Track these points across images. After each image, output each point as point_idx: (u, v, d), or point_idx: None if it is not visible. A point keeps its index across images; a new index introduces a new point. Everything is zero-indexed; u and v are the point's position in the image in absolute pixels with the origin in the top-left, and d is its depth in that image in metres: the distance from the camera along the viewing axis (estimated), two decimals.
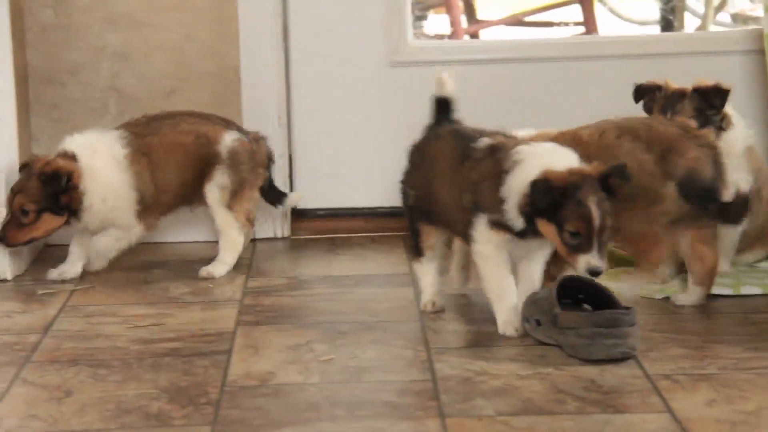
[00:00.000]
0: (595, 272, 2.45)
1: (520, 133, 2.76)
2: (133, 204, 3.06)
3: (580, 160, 2.51)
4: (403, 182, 2.76)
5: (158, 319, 2.75)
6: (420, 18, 4.93)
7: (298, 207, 3.43)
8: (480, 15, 5.30)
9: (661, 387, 2.28)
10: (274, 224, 3.48)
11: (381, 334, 2.63)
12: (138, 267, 3.11)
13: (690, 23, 5.32)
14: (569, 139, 2.68)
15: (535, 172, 2.47)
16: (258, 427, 2.14)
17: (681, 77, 3.47)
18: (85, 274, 3.11)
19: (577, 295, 2.57)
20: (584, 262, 2.45)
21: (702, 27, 5.26)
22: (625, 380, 2.33)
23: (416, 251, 2.76)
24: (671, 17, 5.19)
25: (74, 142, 3.07)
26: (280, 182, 3.46)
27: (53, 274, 3.06)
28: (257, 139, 3.18)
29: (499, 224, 2.53)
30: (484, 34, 5.24)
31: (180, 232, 3.41)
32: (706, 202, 2.63)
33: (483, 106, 3.49)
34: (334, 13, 3.50)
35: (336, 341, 2.59)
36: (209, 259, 3.13)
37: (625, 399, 2.26)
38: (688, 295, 2.75)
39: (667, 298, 2.82)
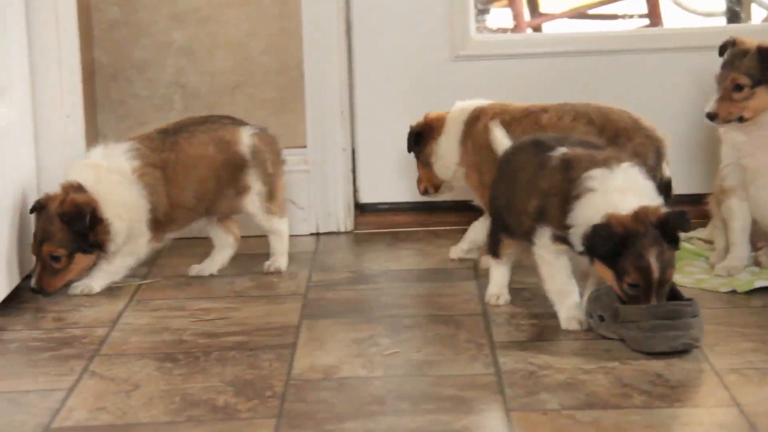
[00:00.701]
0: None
1: (472, 103, 3.06)
2: (146, 213, 2.94)
3: (651, 192, 2.49)
4: (492, 189, 2.78)
5: (224, 313, 2.77)
6: (482, 12, 4.92)
7: (360, 202, 3.41)
8: (543, 8, 5.27)
9: (729, 381, 2.26)
10: (337, 219, 3.49)
11: (445, 328, 2.63)
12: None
13: (757, 14, 5.24)
14: (531, 122, 2.89)
15: (601, 212, 2.43)
16: (322, 420, 2.15)
17: None
18: (152, 268, 3.14)
19: None
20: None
21: None
22: (691, 374, 2.31)
23: (493, 252, 2.77)
24: (737, 8, 5.12)
25: (77, 170, 2.92)
26: (343, 177, 3.47)
27: (76, 289, 2.93)
28: (266, 132, 3.09)
29: (562, 239, 2.53)
30: (547, 27, 5.20)
31: (243, 226, 3.43)
32: None
33: (547, 99, 3.47)
34: (397, 8, 3.50)
35: (400, 335, 2.60)
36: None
37: (692, 393, 2.24)
38: None
39: (733, 291, 2.80)
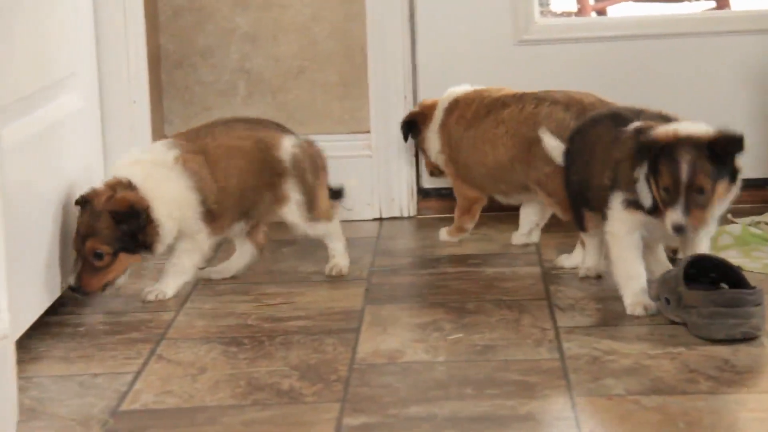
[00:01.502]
0: (677, 227, 2.46)
1: (457, 89, 3.12)
2: (197, 207, 2.78)
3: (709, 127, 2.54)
4: (565, 167, 2.79)
5: (288, 298, 2.79)
6: None
7: (423, 187, 3.40)
8: None
9: None
10: (400, 203, 3.50)
11: (508, 313, 2.63)
12: (268, 246, 3.15)
13: None
14: (492, 118, 2.98)
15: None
16: (387, 405, 2.16)
17: None
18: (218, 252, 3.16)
19: (710, 274, 2.54)
20: (668, 218, 2.47)
21: None
22: (759, 360, 2.29)
23: (580, 227, 2.82)
24: None
25: (123, 167, 2.78)
26: (406, 162, 3.48)
27: (150, 295, 2.81)
28: (311, 143, 2.92)
29: (633, 203, 2.53)
30: (612, 10, 5.17)
31: None
32: None
33: (611, 84, 3.45)
34: None
35: (463, 320, 2.60)
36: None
37: (760, 379, 2.22)
38: None
39: None
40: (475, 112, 3.07)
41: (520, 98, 3.01)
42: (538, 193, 3.00)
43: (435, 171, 3.26)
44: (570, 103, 2.95)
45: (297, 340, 2.51)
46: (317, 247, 3.15)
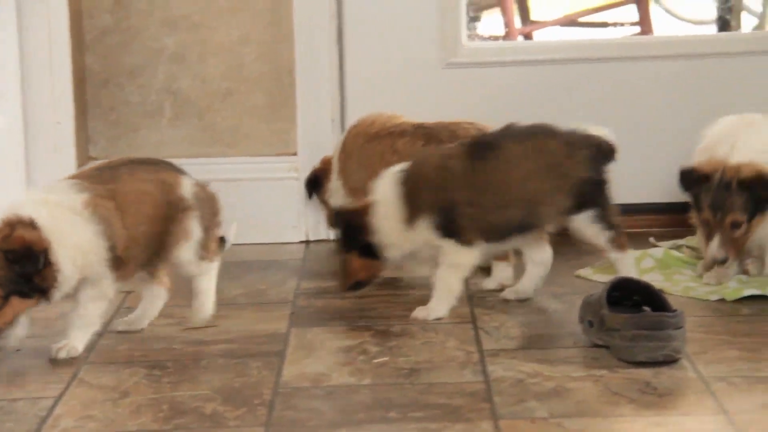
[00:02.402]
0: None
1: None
2: (104, 254, 2.58)
3: None
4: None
5: (212, 321, 2.77)
6: (474, 19, 4.92)
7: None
8: (534, 15, 5.28)
9: (717, 389, 2.26)
10: (326, 227, 3.49)
11: (434, 336, 2.63)
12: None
13: (747, 23, 5.26)
14: (388, 144, 3.01)
15: None
16: (312, 429, 2.15)
17: (738, 77, 3.46)
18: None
19: (633, 297, 2.56)
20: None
21: (760, 26, 5.20)
22: (679, 382, 2.31)
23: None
24: (728, 17, 5.13)
25: (27, 205, 2.55)
26: None
27: (61, 352, 2.58)
28: (204, 186, 2.76)
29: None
30: (539, 34, 5.21)
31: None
32: None
33: (537, 107, 3.48)
34: (388, 15, 3.51)
35: (389, 343, 2.60)
36: (265, 263, 3.14)
37: (680, 401, 2.24)
38: None
39: (722, 300, 2.80)
40: (376, 131, 3.08)
41: (414, 131, 3.02)
42: None
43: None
44: (453, 140, 2.91)
45: (221, 364, 2.49)
46: (242, 270, 3.14)
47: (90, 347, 2.61)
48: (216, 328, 2.72)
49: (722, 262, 2.82)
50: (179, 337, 2.67)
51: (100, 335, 2.67)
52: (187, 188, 2.71)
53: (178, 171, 2.76)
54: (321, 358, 2.51)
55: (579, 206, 2.76)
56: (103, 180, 2.65)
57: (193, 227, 2.70)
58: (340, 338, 2.64)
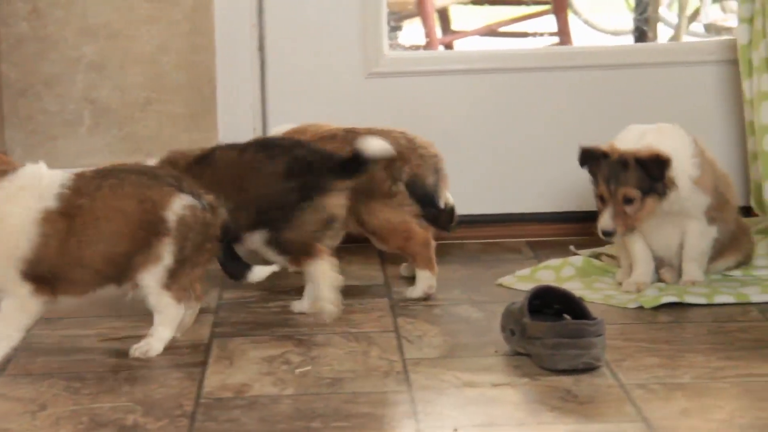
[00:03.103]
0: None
1: (281, 128, 3.15)
2: (18, 264, 2.50)
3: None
4: None
5: (133, 332, 2.74)
6: (395, 29, 4.94)
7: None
8: (455, 25, 5.31)
9: (636, 396, 2.28)
10: None
11: (357, 345, 2.63)
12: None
13: (663, 34, 5.34)
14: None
15: None
16: None
17: (655, 88, 3.51)
18: None
19: (554, 306, 2.58)
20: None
21: (675, 37, 5.28)
22: (600, 390, 2.34)
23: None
24: (645, 28, 5.21)
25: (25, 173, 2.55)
26: None
27: None
28: (213, 207, 2.61)
29: None
30: (459, 44, 5.25)
31: None
32: (427, 206, 2.96)
33: (458, 117, 3.50)
34: (310, 25, 3.50)
35: (311, 352, 2.59)
36: None
37: (600, 408, 2.26)
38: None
39: (640, 307, 2.84)
40: (308, 138, 3.07)
41: (345, 135, 3.02)
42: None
43: None
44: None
45: (142, 375, 2.47)
46: None
47: (8, 359, 2.57)
48: (136, 339, 2.69)
49: (609, 234, 2.86)
50: (98, 349, 2.64)
51: (16, 349, 2.63)
52: (174, 210, 2.54)
53: (177, 187, 2.57)
54: (243, 368, 2.50)
55: (256, 225, 2.78)
56: (86, 189, 2.54)
57: (164, 254, 2.55)
58: (262, 348, 2.63)
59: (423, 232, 2.97)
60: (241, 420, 2.22)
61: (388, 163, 2.95)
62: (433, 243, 2.99)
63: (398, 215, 2.96)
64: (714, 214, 2.91)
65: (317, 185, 2.80)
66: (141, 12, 3.44)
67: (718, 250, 2.98)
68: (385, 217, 2.97)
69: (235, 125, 3.45)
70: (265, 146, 2.89)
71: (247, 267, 2.65)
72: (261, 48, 3.51)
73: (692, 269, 2.92)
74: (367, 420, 2.21)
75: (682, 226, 2.92)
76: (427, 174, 2.98)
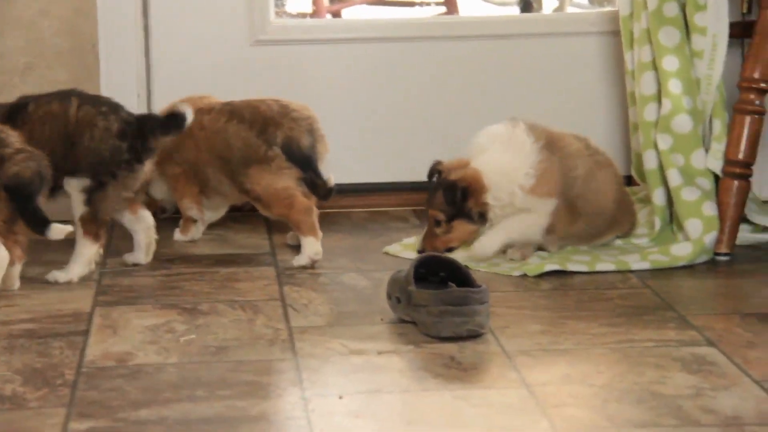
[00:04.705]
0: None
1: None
2: None
3: None
4: None
5: (12, 300, 2.69)
6: None
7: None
8: None
9: (519, 362, 2.31)
10: None
11: (242, 313, 2.62)
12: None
13: (548, 4, 5.40)
14: (195, 123, 2.98)
15: None
16: (115, 409, 2.11)
17: (539, 58, 3.54)
18: None
19: (439, 273, 2.60)
20: None
21: (560, 8, 5.34)
22: (483, 356, 2.36)
23: None
24: None
25: None
26: None
27: None
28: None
29: None
30: (347, 13, 5.23)
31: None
32: (306, 168, 2.98)
33: (345, 86, 3.50)
34: None
35: (196, 321, 2.58)
36: (70, 241, 3.06)
37: (484, 375, 2.29)
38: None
39: (524, 275, 2.87)
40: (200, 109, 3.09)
41: (221, 108, 3.08)
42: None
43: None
44: (254, 119, 3.02)
45: (21, 344, 2.43)
46: (46, 248, 3.05)
47: None
48: (17, 308, 2.65)
49: (420, 252, 2.92)
50: None
51: None
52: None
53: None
54: (126, 337, 2.48)
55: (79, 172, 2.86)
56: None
57: None
58: (146, 317, 2.60)
59: (305, 200, 2.98)
60: (124, 388, 2.20)
61: (262, 129, 3.00)
62: (316, 210, 3.00)
63: (280, 181, 2.98)
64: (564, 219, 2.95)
65: (147, 147, 2.89)
66: None
67: (600, 231, 3.03)
68: (267, 183, 2.98)
69: (118, 91, 3.38)
70: (93, 102, 2.92)
71: (47, 222, 2.71)
72: (145, 13, 3.45)
73: (483, 243, 2.94)
74: (252, 388, 2.20)
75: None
76: (301, 136, 3.00)
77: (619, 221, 3.06)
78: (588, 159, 2.99)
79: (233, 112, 3.06)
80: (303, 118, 3.04)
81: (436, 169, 2.97)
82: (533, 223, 2.92)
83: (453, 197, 2.89)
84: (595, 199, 2.98)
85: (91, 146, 2.86)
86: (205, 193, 3.17)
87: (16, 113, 2.90)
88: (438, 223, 2.93)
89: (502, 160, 2.91)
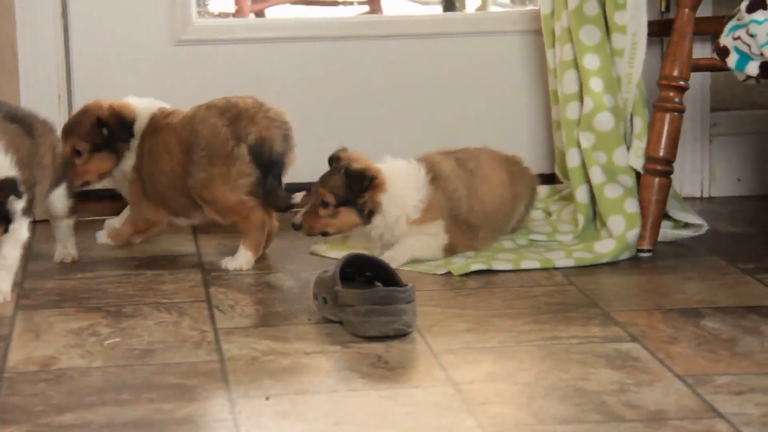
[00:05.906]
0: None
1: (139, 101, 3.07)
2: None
3: None
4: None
5: None
6: None
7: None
8: None
9: (445, 361, 2.32)
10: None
11: (167, 316, 2.61)
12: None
13: (471, 3, 5.42)
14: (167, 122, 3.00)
15: None
16: (38, 414, 2.09)
17: (462, 57, 3.56)
18: None
19: (365, 273, 2.60)
20: None
21: (482, 7, 5.37)
22: (410, 355, 2.37)
23: None
24: None
25: None
26: None
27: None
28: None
29: None
30: (271, 12, 5.22)
31: None
32: (269, 175, 2.90)
33: (268, 85, 3.49)
34: None
35: (121, 324, 2.55)
36: None
37: (411, 374, 2.30)
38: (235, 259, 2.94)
39: (450, 274, 2.88)
40: (160, 120, 3.03)
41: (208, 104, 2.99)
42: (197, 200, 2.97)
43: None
44: (226, 107, 2.94)
45: None
46: None
47: None
48: None
49: (297, 228, 2.90)
50: None
51: None
52: None
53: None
54: (50, 341, 2.45)
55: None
56: None
57: None
58: (70, 320, 2.57)
59: (262, 215, 2.92)
60: (47, 393, 2.17)
61: (233, 120, 2.91)
62: (275, 223, 2.97)
63: (235, 194, 2.90)
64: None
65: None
66: None
67: (506, 221, 3.09)
68: (222, 194, 2.91)
69: (38, 93, 3.36)
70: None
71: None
72: (64, 13, 3.42)
73: (390, 257, 2.93)
74: (179, 390, 2.19)
75: None
76: (275, 139, 2.92)
77: (519, 195, 3.09)
78: (464, 175, 3.00)
79: (211, 104, 2.97)
80: (281, 120, 2.94)
81: (339, 155, 2.93)
82: (432, 243, 2.94)
83: (359, 183, 2.86)
84: (484, 208, 3.00)
85: None
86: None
87: None
88: (325, 204, 2.89)
89: (391, 193, 2.90)
